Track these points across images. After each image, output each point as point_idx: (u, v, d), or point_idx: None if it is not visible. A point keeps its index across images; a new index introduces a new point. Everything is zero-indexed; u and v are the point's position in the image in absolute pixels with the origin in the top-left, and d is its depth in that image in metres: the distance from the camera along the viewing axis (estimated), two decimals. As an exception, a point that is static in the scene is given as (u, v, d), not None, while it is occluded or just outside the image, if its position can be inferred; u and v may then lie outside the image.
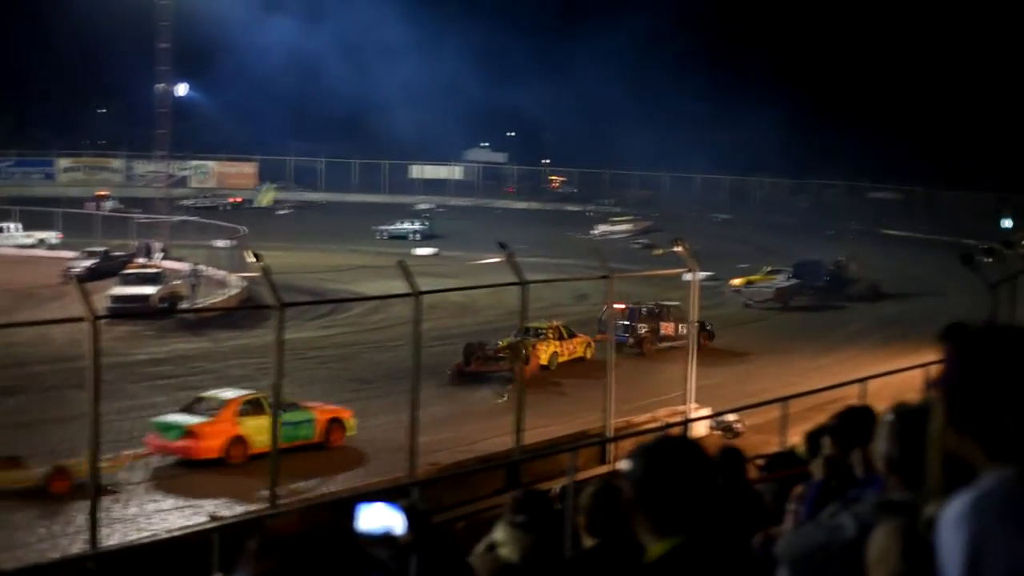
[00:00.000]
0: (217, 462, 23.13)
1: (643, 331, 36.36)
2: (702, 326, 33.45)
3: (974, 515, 2.14)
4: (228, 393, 25.00)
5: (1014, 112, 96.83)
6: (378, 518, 3.93)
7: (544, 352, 32.82)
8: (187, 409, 24.21)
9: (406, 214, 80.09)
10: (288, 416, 21.86)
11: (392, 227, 74.92)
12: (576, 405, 26.51)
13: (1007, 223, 72.32)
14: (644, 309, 37.10)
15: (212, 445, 23.20)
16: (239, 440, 23.46)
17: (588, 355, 34.12)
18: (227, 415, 23.74)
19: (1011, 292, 24.78)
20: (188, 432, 23.12)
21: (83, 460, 17.58)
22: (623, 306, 34.88)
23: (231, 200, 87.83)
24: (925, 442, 3.31)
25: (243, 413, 23.82)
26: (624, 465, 3.17)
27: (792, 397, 18.60)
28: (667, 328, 36.60)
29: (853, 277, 51.36)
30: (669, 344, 35.60)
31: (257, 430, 22.37)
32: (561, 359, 33.74)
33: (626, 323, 35.41)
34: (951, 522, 2.17)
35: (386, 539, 4.15)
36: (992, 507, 2.15)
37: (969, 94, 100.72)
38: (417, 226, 75.81)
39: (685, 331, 32.30)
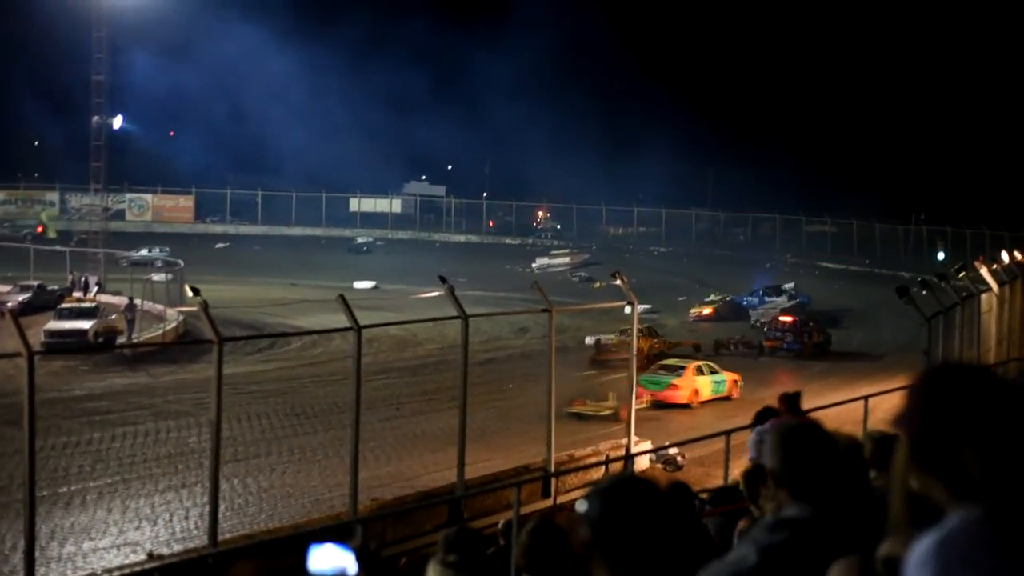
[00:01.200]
0: (684, 406, 33.38)
1: (805, 339, 45.58)
2: (828, 337, 46.64)
3: (938, 558, 2.14)
4: (681, 361, 36.16)
5: (947, 146, 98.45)
6: (330, 559, 3.85)
7: (645, 345, 40.10)
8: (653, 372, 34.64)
9: (149, 243, 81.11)
10: (714, 377, 35.10)
11: (136, 254, 73.36)
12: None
13: (941, 256, 73.43)
14: (803, 322, 47.45)
15: (683, 394, 33.93)
16: (695, 392, 34.23)
17: (666, 350, 42.78)
18: (689, 373, 34.63)
19: (946, 324, 25.02)
20: (671, 385, 34.04)
21: (618, 403, 28.81)
22: (791, 318, 47.86)
23: (39, 229, 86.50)
24: (806, 455, 3.50)
25: (698, 373, 34.83)
26: (580, 506, 3.10)
27: (735, 431, 18.65)
28: (815, 336, 46.19)
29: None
30: (815, 349, 45.16)
31: (704, 385, 34.66)
32: (654, 351, 42.54)
33: (795, 333, 45.75)
34: (916, 564, 2.17)
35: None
36: (956, 550, 2.14)
37: (904, 129, 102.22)
38: (158, 252, 76.52)
39: (821, 339, 46.08)
